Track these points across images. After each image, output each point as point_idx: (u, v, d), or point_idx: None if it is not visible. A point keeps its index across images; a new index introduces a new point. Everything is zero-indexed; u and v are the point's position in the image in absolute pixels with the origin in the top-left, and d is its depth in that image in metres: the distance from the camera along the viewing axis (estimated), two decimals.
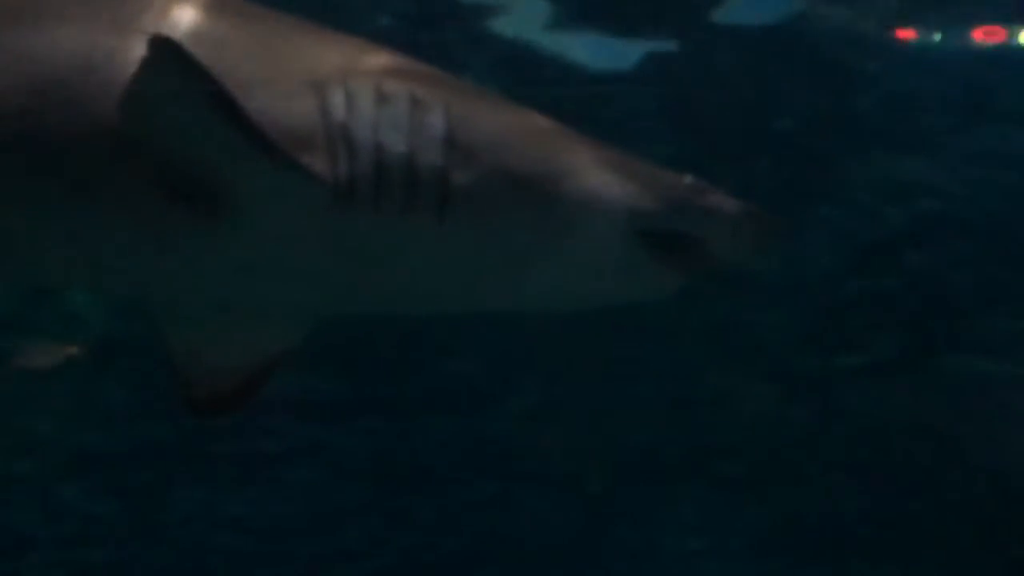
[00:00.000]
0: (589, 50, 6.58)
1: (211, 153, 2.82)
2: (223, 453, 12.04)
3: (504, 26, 6.37)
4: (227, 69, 2.80)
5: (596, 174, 3.14)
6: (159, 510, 13.94)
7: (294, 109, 2.93)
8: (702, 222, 3.22)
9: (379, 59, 3.14)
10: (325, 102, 2.95)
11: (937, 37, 6.76)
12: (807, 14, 6.67)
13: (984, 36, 6.74)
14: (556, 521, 14.16)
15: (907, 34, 6.75)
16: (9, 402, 10.35)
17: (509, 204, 3.05)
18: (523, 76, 6.64)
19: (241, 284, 3.16)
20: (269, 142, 2.81)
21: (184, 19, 2.86)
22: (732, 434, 11.10)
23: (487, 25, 6.38)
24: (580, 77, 6.72)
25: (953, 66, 7.09)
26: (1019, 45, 6.80)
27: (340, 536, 15.11)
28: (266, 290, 3.19)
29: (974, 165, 7.94)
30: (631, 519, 13.73)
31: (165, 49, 2.64)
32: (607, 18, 6.50)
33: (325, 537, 15.14)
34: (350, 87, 2.98)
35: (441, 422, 11.47)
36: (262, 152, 2.81)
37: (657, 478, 12.33)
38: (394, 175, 2.96)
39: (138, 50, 2.67)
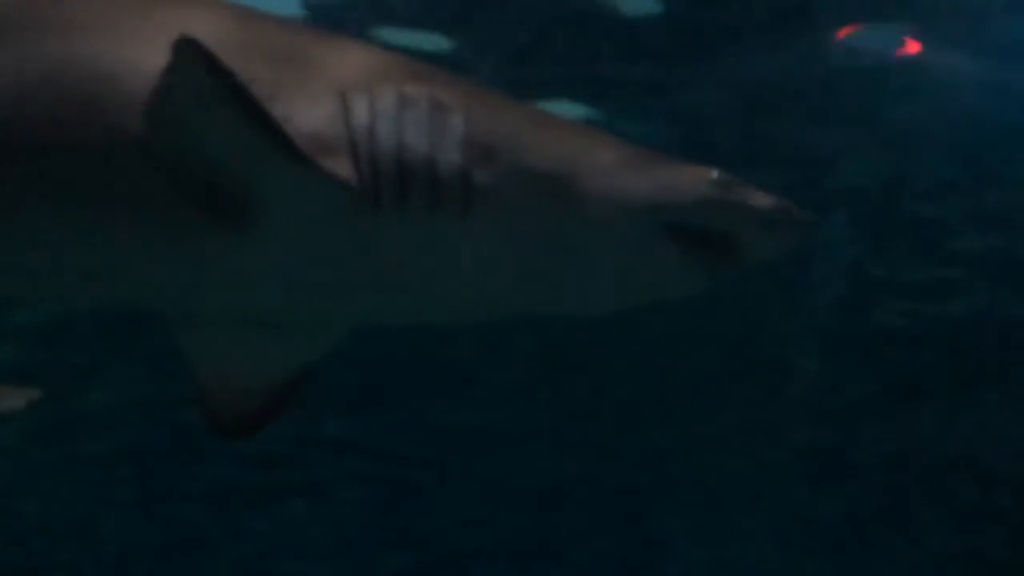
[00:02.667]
0: None
1: (237, 157, 2.81)
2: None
3: None
4: (251, 77, 2.79)
5: (621, 170, 3.12)
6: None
7: (318, 115, 2.93)
8: (732, 216, 3.18)
9: (397, 64, 3.15)
10: (348, 107, 2.95)
11: None
12: None
13: None
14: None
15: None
16: None
17: (533, 202, 3.03)
18: None
19: (269, 294, 3.15)
20: (295, 146, 2.80)
21: (208, 28, 2.85)
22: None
23: None
24: None
25: None
26: None
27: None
28: (294, 299, 3.17)
29: None
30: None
31: (191, 50, 2.63)
32: None
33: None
34: (372, 92, 2.98)
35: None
36: (288, 156, 2.80)
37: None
38: (418, 176, 2.95)
39: (162, 60, 2.66)
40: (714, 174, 3.20)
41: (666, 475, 12.27)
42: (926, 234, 8.31)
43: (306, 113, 2.92)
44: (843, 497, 12.71)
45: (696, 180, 3.18)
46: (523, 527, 14.33)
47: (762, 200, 3.21)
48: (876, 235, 8.31)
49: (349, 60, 3.09)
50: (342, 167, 2.91)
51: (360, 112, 2.95)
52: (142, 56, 2.85)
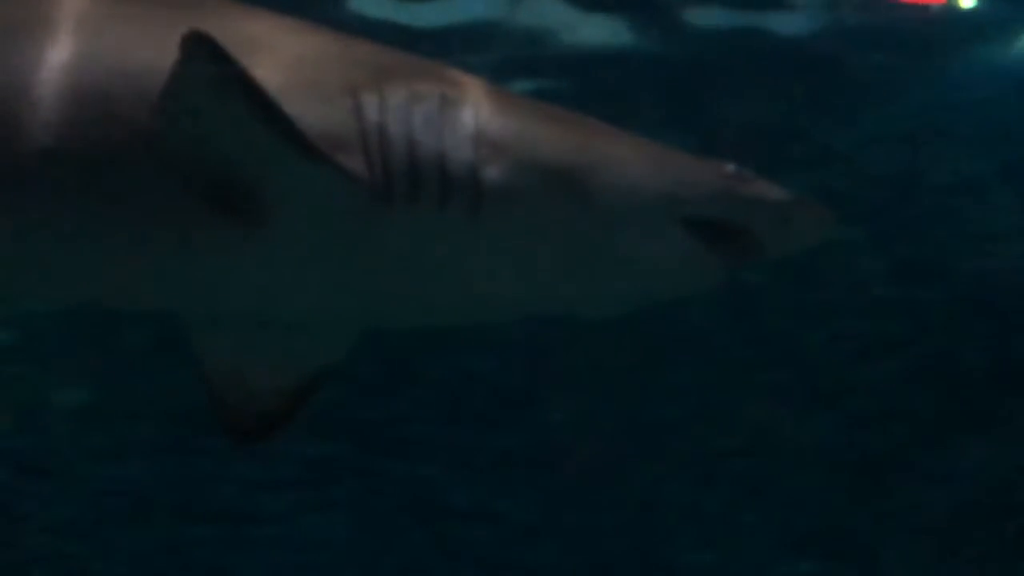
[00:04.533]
0: None
1: (247, 153, 2.80)
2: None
3: None
4: (262, 76, 2.78)
5: (634, 164, 3.10)
6: None
7: (330, 112, 2.92)
8: (747, 210, 3.16)
9: (406, 62, 3.16)
10: (359, 104, 2.94)
11: None
12: None
13: None
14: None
15: None
16: None
17: (546, 197, 3.01)
18: None
19: (281, 292, 3.13)
20: (306, 140, 2.80)
21: (217, 29, 2.80)
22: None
23: None
24: None
25: None
26: None
27: None
28: (306, 297, 3.16)
29: None
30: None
31: (200, 44, 2.62)
32: None
33: None
34: (383, 89, 2.97)
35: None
36: (299, 151, 2.79)
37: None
38: (429, 172, 2.95)
39: (171, 58, 2.65)
40: (729, 168, 3.18)
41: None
42: None
43: (318, 111, 2.90)
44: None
45: (711, 174, 3.16)
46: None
47: (778, 194, 3.19)
48: None
49: (358, 57, 3.09)
50: (353, 163, 2.90)
51: (371, 109, 2.95)
52: (151, 55, 2.83)
